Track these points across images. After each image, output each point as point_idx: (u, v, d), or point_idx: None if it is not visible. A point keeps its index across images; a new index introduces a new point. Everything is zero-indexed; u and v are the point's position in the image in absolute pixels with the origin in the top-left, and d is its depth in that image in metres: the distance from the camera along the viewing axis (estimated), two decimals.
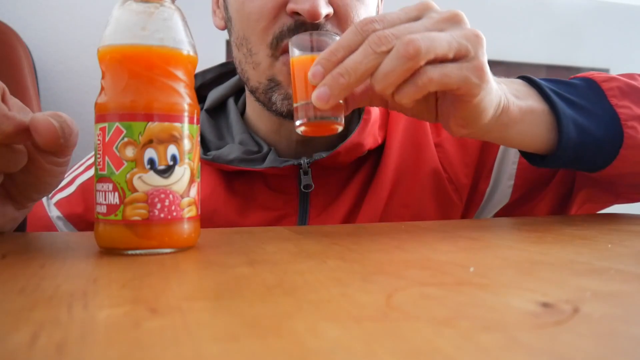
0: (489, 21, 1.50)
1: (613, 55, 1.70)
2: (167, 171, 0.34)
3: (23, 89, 1.08)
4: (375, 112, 0.64)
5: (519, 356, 0.17)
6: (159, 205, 0.34)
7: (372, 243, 0.39)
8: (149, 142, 0.33)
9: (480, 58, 0.40)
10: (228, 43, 1.31)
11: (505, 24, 1.53)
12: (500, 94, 0.45)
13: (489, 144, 0.64)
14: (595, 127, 0.49)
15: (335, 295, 0.24)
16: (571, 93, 0.51)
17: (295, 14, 0.52)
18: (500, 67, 1.50)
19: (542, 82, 0.51)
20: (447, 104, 0.45)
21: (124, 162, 0.33)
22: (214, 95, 0.68)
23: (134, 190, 0.33)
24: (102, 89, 0.35)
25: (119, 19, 0.35)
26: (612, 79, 0.52)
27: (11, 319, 0.20)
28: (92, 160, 0.66)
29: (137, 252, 0.34)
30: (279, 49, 0.54)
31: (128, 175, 0.33)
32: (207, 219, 0.54)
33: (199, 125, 0.37)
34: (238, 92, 0.69)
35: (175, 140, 0.34)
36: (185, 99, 0.35)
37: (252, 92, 0.59)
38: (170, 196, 0.34)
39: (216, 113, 0.68)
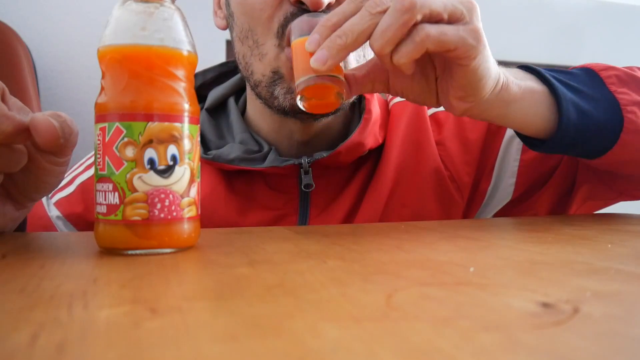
0: (489, 21, 1.50)
1: (613, 55, 1.70)
2: (167, 171, 0.34)
3: (23, 89, 1.08)
4: (376, 112, 0.64)
5: (519, 356, 0.17)
6: (159, 205, 0.34)
7: (372, 243, 0.39)
8: (149, 142, 0.33)
9: (475, 23, 0.41)
10: (228, 43, 1.31)
11: (505, 24, 1.53)
12: (499, 72, 0.46)
13: (490, 142, 0.64)
14: (595, 111, 0.50)
15: (335, 295, 0.24)
16: (570, 79, 0.52)
17: (299, 2, 0.52)
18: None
19: (541, 69, 0.51)
20: (446, 77, 0.45)
21: (124, 162, 0.33)
22: (214, 94, 0.68)
23: (134, 190, 0.33)
24: (102, 89, 0.35)
25: (119, 19, 0.35)
26: (611, 68, 0.52)
27: (11, 319, 0.20)
28: (92, 159, 0.66)
29: (137, 252, 0.34)
30: (284, 38, 0.54)
31: (128, 175, 0.33)
32: (207, 218, 0.54)
33: (199, 125, 0.37)
34: (238, 91, 0.69)
35: (175, 140, 0.34)
36: (185, 99, 0.35)
37: (255, 86, 0.58)
38: (170, 196, 0.34)
39: (216, 112, 0.68)
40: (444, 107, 0.48)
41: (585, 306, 0.22)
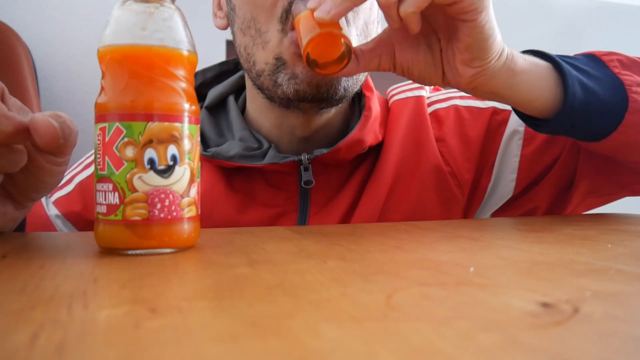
0: None
1: None
2: (167, 171, 0.34)
3: (23, 89, 1.08)
4: (376, 109, 0.64)
5: (519, 356, 0.17)
6: (159, 205, 0.34)
7: (372, 243, 0.39)
8: (149, 142, 0.33)
9: None
10: (228, 43, 1.31)
11: (505, 24, 1.53)
12: (504, 45, 0.47)
13: (490, 139, 0.64)
14: (600, 89, 0.50)
15: (335, 295, 0.24)
16: (573, 61, 0.52)
17: None
18: None
19: (543, 50, 0.52)
20: (451, 44, 0.46)
21: (124, 162, 0.33)
22: (214, 93, 0.68)
23: (134, 190, 0.33)
24: (102, 89, 0.35)
25: (119, 19, 0.35)
26: (612, 53, 0.53)
27: (11, 319, 0.20)
28: (91, 158, 0.66)
29: (137, 252, 0.34)
30: (288, 23, 0.54)
31: (128, 175, 0.33)
32: (206, 216, 0.54)
33: (199, 125, 0.37)
34: (238, 90, 0.69)
35: (175, 140, 0.34)
36: (185, 99, 0.35)
37: (258, 76, 0.58)
38: (170, 196, 0.34)
39: (216, 110, 0.68)
40: (451, 81, 0.48)
41: (585, 306, 0.22)
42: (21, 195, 0.42)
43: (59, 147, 0.36)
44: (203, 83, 0.69)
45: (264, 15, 0.55)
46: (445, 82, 0.49)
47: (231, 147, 0.60)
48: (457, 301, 0.23)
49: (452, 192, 0.64)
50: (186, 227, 0.35)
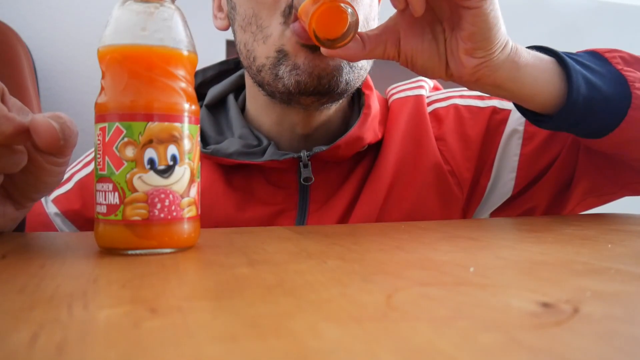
0: None
1: None
2: (167, 171, 0.34)
3: (23, 89, 1.08)
4: (375, 107, 0.64)
5: (519, 356, 0.17)
6: (159, 205, 0.34)
7: (372, 243, 0.39)
8: (149, 142, 0.33)
9: None
10: (228, 43, 1.31)
11: (505, 24, 1.53)
12: (508, 38, 0.47)
13: (490, 138, 0.64)
14: (604, 85, 0.50)
15: (335, 295, 0.24)
16: (576, 57, 0.52)
17: None
18: None
19: (546, 46, 0.52)
20: (455, 33, 0.46)
21: (124, 162, 0.33)
22: (213, 91, 0.68)
23: (134, 190, 0.33)
24: (102, 89, 0.35)
25: (119, 19, 0.35)
26: (615, 50, 0.53)
27: (11, 319, 0.20)
28: (90, 157, 0.66)
29: (137, 252, 0.34)
30: (290, 17, 0.54)
31: (128, 175, 0.33)
32: (205, 214, 0.54)
33: (198, 125, 0.37)
34: (238, 89, 0.69)
35: (175, 140, 0.34)
36: (185, 99, 0.35)
37: (258, 71, 0.58)
38: (170, 196, 0.34)
39: (216, 109, 0.68)
40: (454, 73, 0.48)
41: (585, 306, 0.22)
42: (21, 195, 0.42)
43: (59, 148, 0.36)
44: (203, 82, 0.69)
45: (267, 10, 0.55)
46: (448, 75, 0.48)
47: (230, 145, 0.60)
48: (457, 301, 0.23)
49: (451, 191, 0.64)
50: (186, 227, 0.35)
